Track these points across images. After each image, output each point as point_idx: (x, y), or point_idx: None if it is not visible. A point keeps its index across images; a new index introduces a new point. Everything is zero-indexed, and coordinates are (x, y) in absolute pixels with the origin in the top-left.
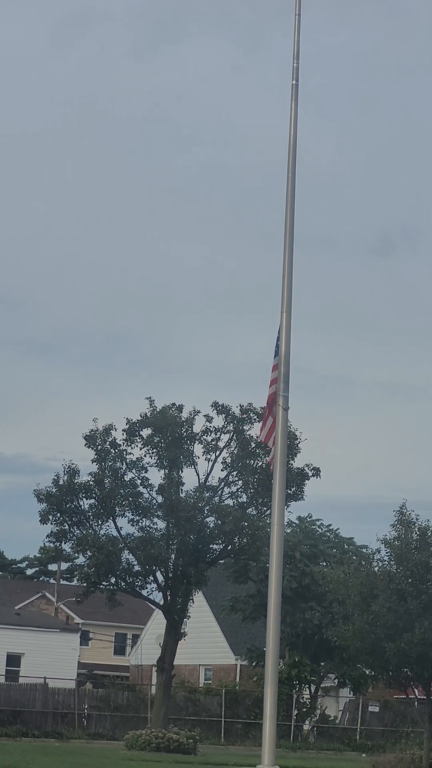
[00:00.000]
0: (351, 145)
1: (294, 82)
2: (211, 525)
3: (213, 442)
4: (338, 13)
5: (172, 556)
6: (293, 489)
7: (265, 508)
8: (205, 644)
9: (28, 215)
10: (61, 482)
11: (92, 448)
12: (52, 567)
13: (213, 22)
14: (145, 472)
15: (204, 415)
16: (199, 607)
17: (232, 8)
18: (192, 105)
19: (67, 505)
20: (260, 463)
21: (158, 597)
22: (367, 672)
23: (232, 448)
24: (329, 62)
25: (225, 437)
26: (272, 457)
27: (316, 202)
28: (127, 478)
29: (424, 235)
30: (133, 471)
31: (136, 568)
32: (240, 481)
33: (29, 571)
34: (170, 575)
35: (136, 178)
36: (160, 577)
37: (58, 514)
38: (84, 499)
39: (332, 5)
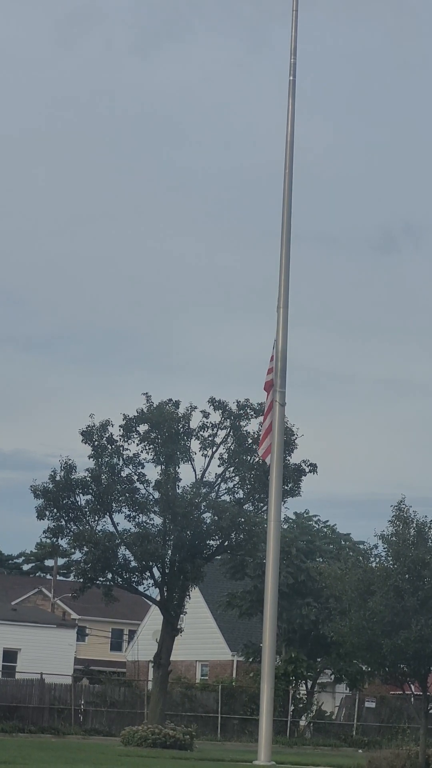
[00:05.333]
0: (353, 142)
1: (291, 78)
2: (208, 521)
3: (210, 438)
4: (340, 11)
5: (169, 552)
6: (290, 485)
7: (261, 504)
8: (202, 640)
9: (27, 212)
10: (57, 478)
11: (89, 444)
12: (49, 563)
13: (217, 20)
14: (142, 467)
15: (201, 411)
16: (195, 603)
17: (236, 6)
18: (194, 103)
19: (64, 501)
20: (257, 459)
21: (155, 593)
22: (364, 668)
23: (229, 444)
24: (331, 60)
25: (222, 433)
26: (266, 452)
27: (318, 199)
28: (123, 473)
29: (426, 231)
30: (130, 467)
31: (133, 563)
32: (237, 477)
33: (26, 567)
34: (167, 571)
35: (136, 175)
36: (156, 572)
37: (55, 510)
38: (81, 494)
39: (334, 4)
